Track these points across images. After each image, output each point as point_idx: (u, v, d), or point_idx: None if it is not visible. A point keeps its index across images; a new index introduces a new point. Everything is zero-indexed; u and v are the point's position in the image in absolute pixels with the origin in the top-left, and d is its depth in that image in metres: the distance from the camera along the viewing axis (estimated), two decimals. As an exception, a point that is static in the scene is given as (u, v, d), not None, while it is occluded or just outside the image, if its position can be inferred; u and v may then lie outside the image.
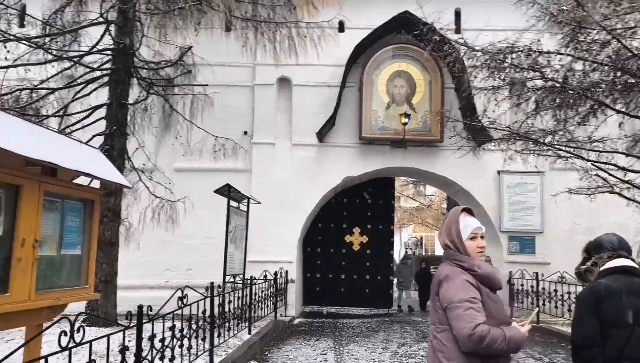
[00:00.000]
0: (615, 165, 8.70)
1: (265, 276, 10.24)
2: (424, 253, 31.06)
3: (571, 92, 8.05)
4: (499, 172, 12.66)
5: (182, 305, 5.60)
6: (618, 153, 8.78)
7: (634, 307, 2.69)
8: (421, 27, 9.43)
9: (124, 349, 4.31)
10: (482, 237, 2.67)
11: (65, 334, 3.51)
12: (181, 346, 5.65)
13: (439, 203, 26.16)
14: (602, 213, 12.57)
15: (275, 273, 11.00)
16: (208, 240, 12.32)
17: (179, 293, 5.61)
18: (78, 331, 3.62)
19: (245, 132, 12.71)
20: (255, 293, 9.35)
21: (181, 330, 5.67)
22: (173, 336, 5.44)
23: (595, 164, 9.01)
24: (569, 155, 9.02)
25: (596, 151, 9.01)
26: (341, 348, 8.45)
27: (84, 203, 4.68)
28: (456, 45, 9.25)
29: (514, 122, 9.53)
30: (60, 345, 3.46)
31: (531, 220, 12.57)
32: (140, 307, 4.68)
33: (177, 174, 11.83)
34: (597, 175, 9.22)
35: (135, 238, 10.36)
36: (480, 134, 11.26)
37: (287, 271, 12.10)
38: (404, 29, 12.46)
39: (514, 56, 8.55)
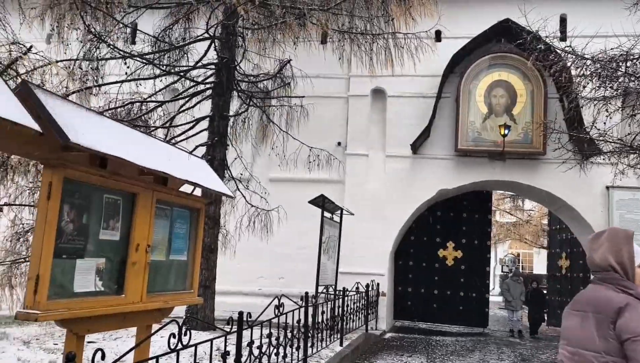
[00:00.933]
0: None
1: (357, 288, 10.19)
2: (521, 271, 29.62)
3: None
4: (607, 187, 11.83)
5: (279, 314, 5.68)
6: None
7: None
8: (524, 35, 9.04)
9: (225, 354, 4.42)
10: None
11: (174, 336, 3.65)
12: (277, 354, 5.72)
13: (539, 219, 24.88)
14: None
15: (367, 285, 10.92)
16: (301, 249, 12.48)
17: (274, 301, 5.70)
18: (185, 334, 3.76)
19: (339, 143, 12.80)
20: (348, 305, 9.32)
21: (277, 338, 5.75)
22: (270, 343, 5.52)
23: None
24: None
25: None
26: (435, 367, 8.22)
27: (190, 211, 4.89)
28: (563, 53, 8.79)
29: (626, 135, 8.88)
30: (169, 346, 3.61)
31: (645, 240, 11.59)
32: (240, 314, 4.80)
33: (272, 184, 12.11)
34: None
35: (231, 245, 10.69)
36: (588, 146, 10.59)
37: (378, 284, 11.98)
38: (503, 38, 12.06)
39: (628, 64, 7.98)
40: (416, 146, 12.30)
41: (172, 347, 3.60)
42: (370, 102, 12.92)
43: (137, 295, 3.97)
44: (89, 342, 7.81)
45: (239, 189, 10.10)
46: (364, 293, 10.63)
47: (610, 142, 8.95)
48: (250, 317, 4.95)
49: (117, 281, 3.86)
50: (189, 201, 4.76)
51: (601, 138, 9.10)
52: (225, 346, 4.44)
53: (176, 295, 4.58)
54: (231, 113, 9.78)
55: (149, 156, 4.06)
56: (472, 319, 13.60)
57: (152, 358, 3.60)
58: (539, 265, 34.19)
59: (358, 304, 10.20)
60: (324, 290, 9.60)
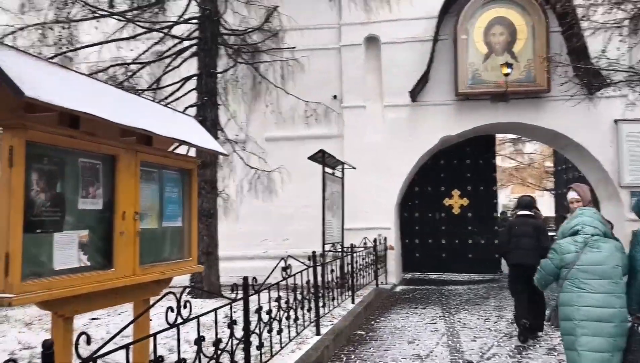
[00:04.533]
0: None
1: (365, 243, 9.89)
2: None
3: None
4: (615, 121, 11.39)
5: (287, 276, 5.35)
6: None
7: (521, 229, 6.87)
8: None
9: (232, 323, 4.10)
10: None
11: (172, 310, 3.31)
12: (288, 318, 5.42)
13: (541, 161, 24.51)
14: None
15: (375, 240, 10.62)
16: (304, 209, 12.15)
17: (281, 263, 5.37)
18: (185, 306, 3.41)
19: (335, 97, 12.28)
20: (356, 261, 9.03)
21: (287, 302, 5.44)
22: (279, 307, 5.21)
23: None
24: None
25: None
26: (451, 317, 7.97)
27: (181, 172, 4.48)
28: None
29: (638, 62, 8.39)
30: (167, 322, 3.27)
31: (656, 173, 11.24)
32: (245, 279, 4.45)
33: (269, 144, 11.66)
34: None
35: (233, 209, 10.34)
36: (594, 79, 10.11)
37: (385, 238, 11.70)
38: (500, -29, 11.42)
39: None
40: (415, 94, 11.80)
41: (172, 322, 3.25)
42: (364, 51, 12.34)
43: (128, 267, 3.60)
44: (92, 319, 7.59)
45: (235, 151, 9.68)
46: (372, 248, 10.34)
47: (622, 71, 8.47)
48: (256, 282, 4.61)
49: (104, 254, 3.47)
50: (179, 162, 4.35)
51: (611, 68, 8.63)
52: (232, 314, 4.11)
53: (173, 265, 4.21)
54: (220, 71, 9.25)
55: (128, 113, 3.62)
56: (482, 266, 13.38)
57: (150, 335, 3.25)
58: (543, 207, 34.13)
59: (367, 259, 9.92)
60: (332, 248, 9.29)
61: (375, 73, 12.35)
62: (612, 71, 8.70)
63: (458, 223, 13.61)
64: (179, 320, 3.33)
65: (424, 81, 11.68)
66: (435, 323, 7.59)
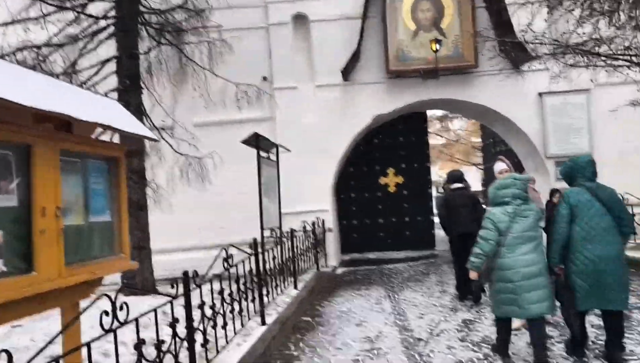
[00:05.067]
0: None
1: (304, 227, 9.68)
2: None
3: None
4: (540, 94, 11.76)
5: (229, 266, 5.06)
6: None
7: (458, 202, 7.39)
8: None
9: (174, 322, 3.77)
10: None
11: (107, 314, 2.95)
12: (232, 311, 5.13)
13: (468, 137, 25.21)
14: (655, 129, 11.71)
15: (313, 223, 10.44)
16: (240, 195, 11.77)
17: (222, 253, 5.07)
18: (121, 308, 3.07)
19: (265, 78, 11.91)
20: (297, 246, 8.82)
21: (230, 294, 5.14)
22: (223, 300, 4.91)
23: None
24: (628, 64, 8.09)
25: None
26: (396, 296, 7.95)
27: (107, 161, 4.07)
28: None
29: (562, 34, 8.58)
30: (102, 327, 2.91)
31: (579, 143, 11.71)
32: (185, 273, 4.11)
33: (199, 129, 11.15)
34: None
35: (164, 200, 9.82)
36: (521, 53, 10.32)
37: (323, 220, 11.54)
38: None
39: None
40: (347, 73, 11.66)
41: (108, 328, 2.90)
42: (292, 30, 12.03)
43: (52, 269, 3.19)
44: (14, 326, 6.93)
45: (163, 138, 9.14)
46: (311, 232, 10.16)
47: (547, 44, 8.64)
48: (197, 275, 4.29)
49: (23, 257, 3.04)
50: (103, 149, 3.93)
51: (537, 41, 8.78)
52: (173, 312, 3.79)
53: (105, 263, 3.82)
54: (142, 53, 8.67)
55: (44, 97, 3.18)
56: (419, 243, 13.56)
57: (83, 345, 2.89)
58: (472, 181, 35.30)
59: (307, 243, 9.73)
60: (271, 234, 9.02)
61: (306, 53, 12.09)
62: (539, 44, 8.87)
63: (394, 201, 13.69)
64: (116, 324, 2.98)
65: (355, 59, 11.54)
66: (380, 303, 7.54)
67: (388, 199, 13.74)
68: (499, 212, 4.42)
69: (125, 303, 3.15)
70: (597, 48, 8.16)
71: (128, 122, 4.16)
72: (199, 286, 4.34)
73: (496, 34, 10.74)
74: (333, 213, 12.36)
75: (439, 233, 16.61)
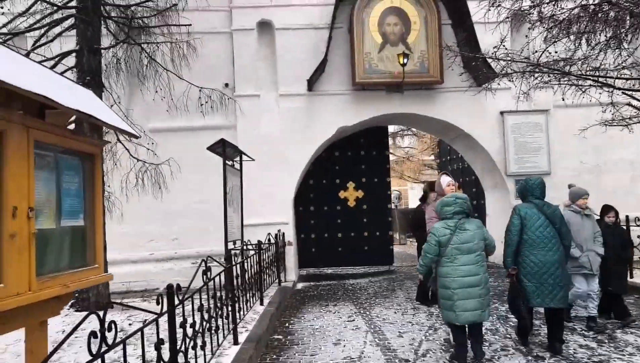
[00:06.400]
0: (647, 92, 7.94)
1: (268, 239, 9.25)
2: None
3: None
4: (501, 113, 11.88)
5: (207, 280, 4.60)
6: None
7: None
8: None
9: (159, 344, 3.30)
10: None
11: (95, 336, 2.47)
12: (209, 329, 4.66)
13: (419, 155, 25.45)
14: (608, 150, 12.08)
15: (276, 236, 10.03)
16: (195, 205, 11.23)
17: (202, 266, 4.61)
18: (109, 329, 2.60)
19: (227, 85, 11.44)
20: (264, 260, 8.38)
21: (208, 310, 4.67)
22: (202, 318, 4.44)
23: (627, 93, 8.24)
24: (598, 85, 8.20)
25: (625, 78, 8.27)
26: (367, 313, 7.62)
27: (81, 158, 3.57)
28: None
29: (534, 52, 8.63)
30: (90, 352, 2.43)
31: (538, 162, 11.88)
32: (169, 288, 3.64)
33: (157, 135, 10.52)
34: (630, 104, 8.49)
35: (116, 208, 9.16)
36: (487, 70, 10.37)
37: (283, 234, 11.13)
38: (394, -40, 11.37)
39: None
40: (312, 83, 11.36)
41: (97, 352, 2.43)
42: (257, 37, 11.64)
43: (22, 282, 2.69)
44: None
45: (120, 142, 8.56)
46: (274, 245, 9.73)
47: (517, 61, 8.66)
48: (179, 289, 3.82)
49: (-12, 266, 2.55)
50: (79, 144, 3.44)
51: (508, 58, 8.80)
52: (158, 332, 3.31)
53: (78, 274, 3.31)
54: (106, 47, 8.06)
55: (15, 75, 2.69)
56: (377, 258, 13.33)
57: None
58: (415, 199, 35.83)
59: (272, 257, 9.30)
60: (233, 247, 8.53)
61: (270, 61, 11.73)
62: (510, 61, 8.88)
63: (354, 215, 13.44)
64: (104, 348, 2.50)
65: (320, 70, 11.28)
66: (353, 320, 7.19)
67: (348, 214, 13.47)
68: (441, 226, 4.88)
69: (114, 324, 2.68)
70: (568, 67, 8.23)
71: (108, 115, 3.68)
72: (182, 302, 3.86)
73: (462, 52, 10.76)
74: (293, 226, 11.96)
75: (397, 249, 16.58)
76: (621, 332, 6.09)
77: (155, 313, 3.40)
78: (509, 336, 6.07)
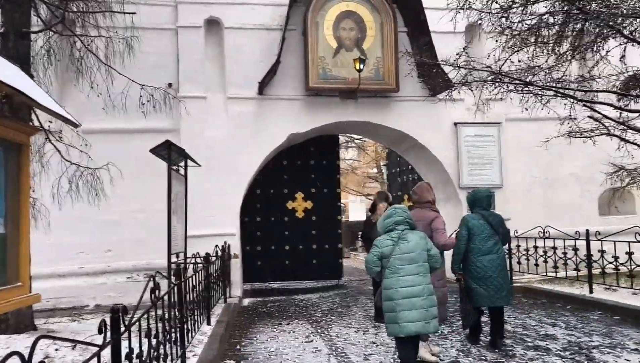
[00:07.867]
0: (611, 105, 7.86)
1: (216, 252, 8.50)
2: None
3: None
4: (455, 124, 11.71)
5: (156, 300, 3.89)
6: (613, 92, 7.92)
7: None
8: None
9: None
10: None
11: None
12: (157, 357, 3.94)
13: (364, 167, 25.24)
14: (558, 165, 12.17)
15: (223, 249, 9.30)
16: (133, 214, 10.35)
17: (150, 283, 3.90)
18: None
19: (170, 85, 10.60)
20: (211, 274, 7.64)
21: (156, 336, 3.95)
22: (150, 346, 3.72)
23: (588, 105, 8.15)
24: (560, 95, 8.06)
25: (585, 90, 8.20)
26: (326, 332, 7.02)
27: (3, 148, 2.84)
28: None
29: (496, 60, 8.42)
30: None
31: (490, 174, 11.78)
32: (115, 310, 2.93)
33: (92, 136, 9.53)
34: (591, 117, 8.42)
35: (43, 217, 8.16)
36: (443, 80, 10.14)
37: (229, 245, 10.39)
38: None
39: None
40: (263, 86, 10.75)
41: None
42: (204, 35, 10.93)
43: None
44: None
45: (50, 142, 7.63)
46: (221, 258, 8.99)
47: (479, 70, 8.43)
48: (125, 311, 3.10)
49: None
50: (3, 130, 2.71)
51: (470, 66, 8.56)
52: (101, 370, 2.60)
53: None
54: (36, 30, 7.15)
55: None
56: (326, 272, 12.80)
57: None
58: (357, 212, 35.72)
59: (219, 271, 8.57)
60: (176, 260, 7.73)
61: (218, 61, 11.04)
62: (472, 69, 8.64)
63: (302, 227, 12.86)
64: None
65: (272, 73, 10.69)
66: (312, 341, 6.58)
67: (296, 225, 12.87)
68: (384, 238, 4.80)
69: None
70: (530, 77, 8.07)
71: (42, 96, 2.96)
72: (128, 328, 3.14)
73: (416, 61, 10.49)
74: (239, 237, 11.24)
75: (346, 262, 16.07)
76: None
77: (95, 345, 2.69)
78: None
